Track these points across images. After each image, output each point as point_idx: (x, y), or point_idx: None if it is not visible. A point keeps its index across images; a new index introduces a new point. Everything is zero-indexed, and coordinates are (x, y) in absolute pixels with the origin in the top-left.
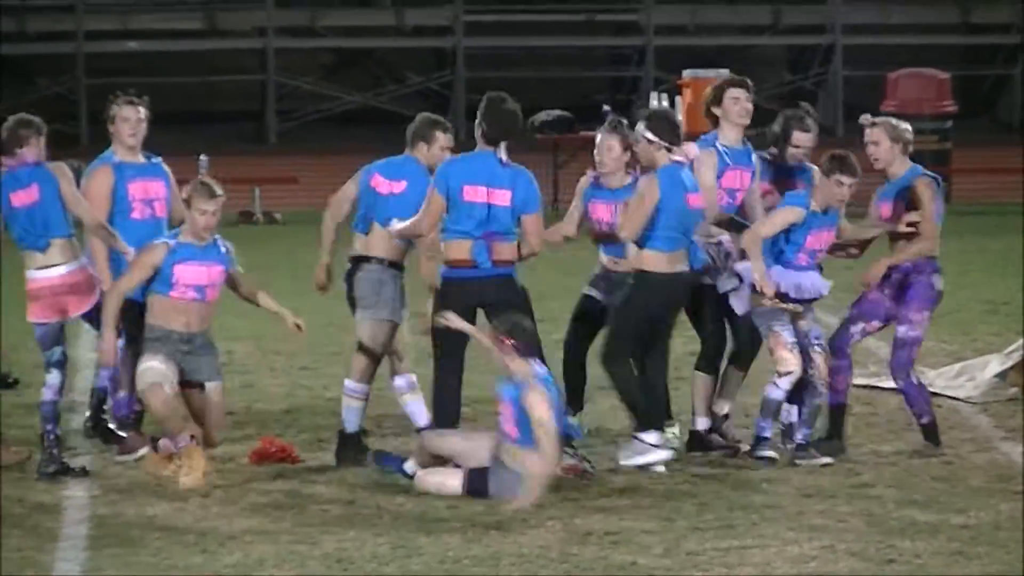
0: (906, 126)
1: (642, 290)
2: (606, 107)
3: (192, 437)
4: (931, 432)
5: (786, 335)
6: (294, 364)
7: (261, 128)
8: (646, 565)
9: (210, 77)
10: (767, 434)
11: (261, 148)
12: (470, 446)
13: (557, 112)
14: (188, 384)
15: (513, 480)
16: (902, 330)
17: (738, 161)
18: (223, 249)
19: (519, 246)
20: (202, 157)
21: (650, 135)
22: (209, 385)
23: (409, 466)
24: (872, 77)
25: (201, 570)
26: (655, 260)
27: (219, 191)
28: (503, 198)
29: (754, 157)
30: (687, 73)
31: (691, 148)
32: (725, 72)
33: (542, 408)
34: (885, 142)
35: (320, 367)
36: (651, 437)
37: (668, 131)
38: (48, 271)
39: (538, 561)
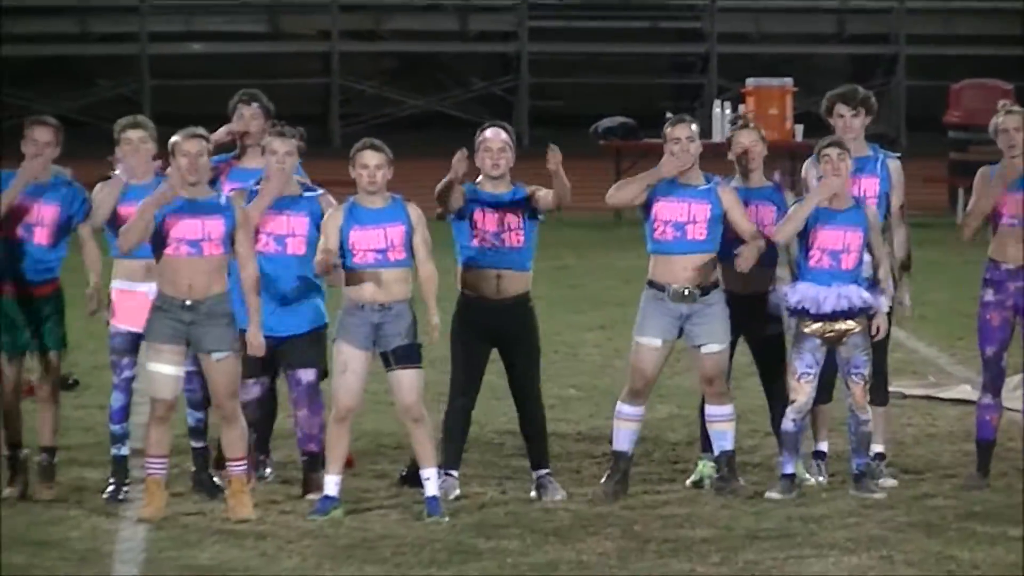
0: None
1: None
2: (669, 114)
3: (164, 463)
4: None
5: (797, 364)
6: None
7: (325, 132)
8: (704, 573)
9: (273, 80)
10: (787, 470)
11: (325, 151)
12: None
13: (620, 119)
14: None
15: None
16: None
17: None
18: (222, 201)
19: None
20: None
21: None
22: (214, 356)
23: None
24: (935, 87)
25: None
26: None
27: (202, 131)
28: None
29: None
30: (750, 81)
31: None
32: (788, 81)
33: None
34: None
35: None
36: None
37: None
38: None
39: (596, 568)
